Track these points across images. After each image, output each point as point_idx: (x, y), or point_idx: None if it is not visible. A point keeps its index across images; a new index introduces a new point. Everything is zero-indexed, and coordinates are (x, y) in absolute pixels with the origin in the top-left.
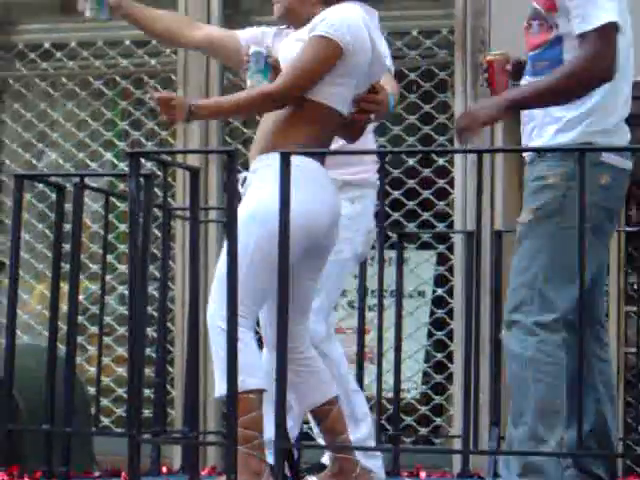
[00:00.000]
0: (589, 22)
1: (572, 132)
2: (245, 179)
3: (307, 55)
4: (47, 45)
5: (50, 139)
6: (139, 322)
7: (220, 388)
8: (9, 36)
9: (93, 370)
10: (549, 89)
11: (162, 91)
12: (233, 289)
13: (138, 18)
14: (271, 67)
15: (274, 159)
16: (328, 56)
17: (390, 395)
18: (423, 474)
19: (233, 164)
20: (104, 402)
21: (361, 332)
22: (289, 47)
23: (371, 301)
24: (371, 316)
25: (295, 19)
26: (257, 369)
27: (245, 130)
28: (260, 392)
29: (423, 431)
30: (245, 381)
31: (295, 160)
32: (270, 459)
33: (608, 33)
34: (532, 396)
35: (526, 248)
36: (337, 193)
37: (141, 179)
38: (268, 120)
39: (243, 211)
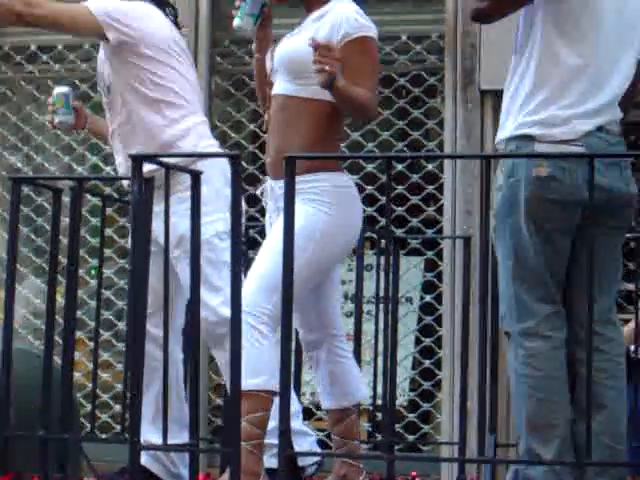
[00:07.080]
0: None
1: (509, 122)
2: (271, 189)
3: (371, 62)
4: (33, 47)
5: (35, 142)
6: (139, 327)
7: (249, 383)
8: None
9: (78, 375)
10: None
11: None
12: (237, 295)
13: (101, 134)
14: (263, 15)
15: (324, 180)
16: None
17: (378, 402)
18: None
19: (237, 168)
20: (90, 408)
21: (358, 339)
22: (289, 42)
23: (351, 307)
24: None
25: None
26: (277, 371)
27: (232, 135)
28: (274, 394)
29: (410, 438)
30: (269, 381)
31: (338, 182)
32: (267, 462)
33: None
34: (524, 411)
35: (498, 255)
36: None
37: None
38: (284, 131)
39: (298, 224)
